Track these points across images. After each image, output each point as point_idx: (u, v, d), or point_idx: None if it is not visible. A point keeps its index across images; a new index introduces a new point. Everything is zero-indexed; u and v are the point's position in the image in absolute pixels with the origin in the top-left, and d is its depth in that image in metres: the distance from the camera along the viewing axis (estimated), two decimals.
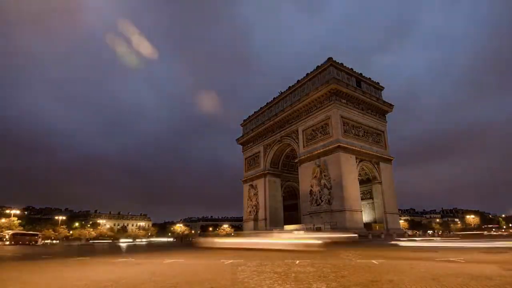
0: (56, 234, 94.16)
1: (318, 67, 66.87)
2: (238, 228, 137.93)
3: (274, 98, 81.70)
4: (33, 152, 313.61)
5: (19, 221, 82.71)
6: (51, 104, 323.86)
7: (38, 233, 66.75)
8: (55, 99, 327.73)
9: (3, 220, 79.12)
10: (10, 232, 58.60)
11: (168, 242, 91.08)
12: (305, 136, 67.35)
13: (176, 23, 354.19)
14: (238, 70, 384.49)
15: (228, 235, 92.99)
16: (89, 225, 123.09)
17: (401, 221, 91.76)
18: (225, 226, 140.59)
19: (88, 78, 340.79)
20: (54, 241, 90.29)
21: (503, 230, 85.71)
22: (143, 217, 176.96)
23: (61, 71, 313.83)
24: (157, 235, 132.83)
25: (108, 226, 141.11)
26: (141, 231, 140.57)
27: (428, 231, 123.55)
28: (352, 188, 57.73)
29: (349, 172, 58.22)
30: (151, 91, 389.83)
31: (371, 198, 64.49)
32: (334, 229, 53.25)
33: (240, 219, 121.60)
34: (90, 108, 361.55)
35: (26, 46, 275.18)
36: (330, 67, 63.70)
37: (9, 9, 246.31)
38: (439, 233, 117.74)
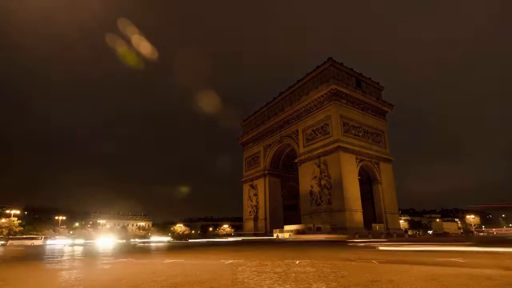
0: (56, 234, 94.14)
1: (318, 67, 66.82)
2: (238, 228, 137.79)
3: (274, 98, 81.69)
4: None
5: (19, 221, 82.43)
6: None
7: None
8: None
9: (3, 220, 78.88)
10: None
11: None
12: (305, 136, 67.35)
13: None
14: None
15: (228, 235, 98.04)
16: (89, 225, 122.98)
17: (401, 221, 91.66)
18: (225, 226, 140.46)
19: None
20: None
21: None
22: (143, 217, 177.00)
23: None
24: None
25: (108, 226, 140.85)
26: (141, 231, 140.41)
27: (428, 231, 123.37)
28: (352, 188, 57.76)
29: (349, 172, 58.25)
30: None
31: (371, 198, 64.50)
32: (334, 229, 53.33)
33: (240, 219, 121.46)
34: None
35: None
36: (330, 67, 63.68)
37: None
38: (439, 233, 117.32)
